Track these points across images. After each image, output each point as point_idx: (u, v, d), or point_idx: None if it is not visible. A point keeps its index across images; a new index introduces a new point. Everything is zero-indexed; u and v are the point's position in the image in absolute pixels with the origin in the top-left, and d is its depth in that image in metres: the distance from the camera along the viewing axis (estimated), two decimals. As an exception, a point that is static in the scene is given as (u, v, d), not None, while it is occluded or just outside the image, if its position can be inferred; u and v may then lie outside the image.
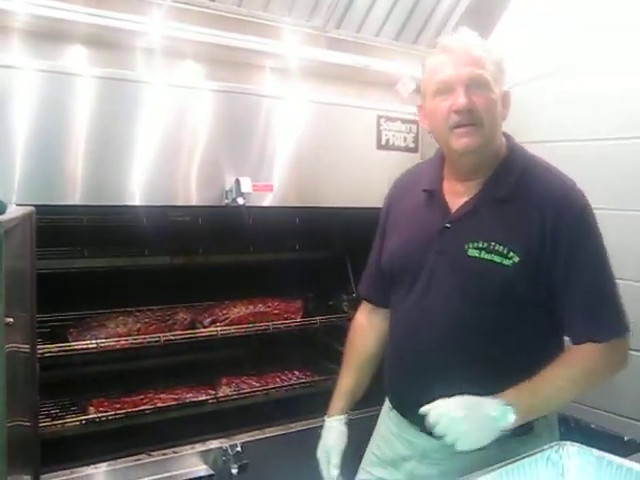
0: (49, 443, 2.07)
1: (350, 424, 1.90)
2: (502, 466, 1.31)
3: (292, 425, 2.40)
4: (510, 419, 1.48)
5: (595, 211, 1.64)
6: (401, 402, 1.80)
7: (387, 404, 1.90)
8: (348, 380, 1.92)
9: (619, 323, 1.60)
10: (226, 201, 2.31)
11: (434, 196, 1.72)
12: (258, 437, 2.32)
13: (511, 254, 1.56)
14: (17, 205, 1.86)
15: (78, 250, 2.53)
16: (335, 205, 2.54)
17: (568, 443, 1.38)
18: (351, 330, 1.99)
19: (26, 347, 1.78)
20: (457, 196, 1.68)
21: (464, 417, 1.47)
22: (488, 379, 1.57)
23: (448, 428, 1.47)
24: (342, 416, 1.89)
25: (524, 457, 1.35)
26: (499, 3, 3.15)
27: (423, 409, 1.51)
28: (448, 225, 1.66)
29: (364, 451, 1.93)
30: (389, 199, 1.90)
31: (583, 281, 1.58)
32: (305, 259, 2.94)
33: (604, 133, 2.77)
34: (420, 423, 1.67)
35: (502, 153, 1.68)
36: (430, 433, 1.61)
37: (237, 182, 2.28)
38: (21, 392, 1.66)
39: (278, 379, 2.71)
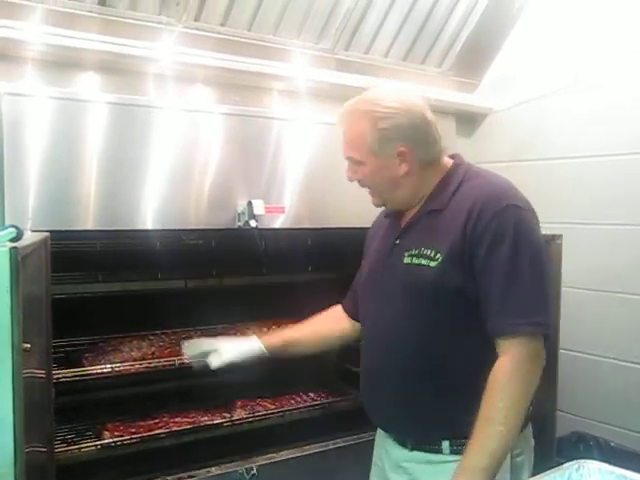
0: (65, 468, 2.07)
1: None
2: (521, 486, 1.30)
3: (307, 447, 2.39)
4: None
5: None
6: (371, 414, 1.87)
7: None
8: (294, 332, 2.12)
9: (534, 318, 1.58)
10: (239, 224, 2.32)
11: (393, 220, 1.87)
12: (274, 460, 2.31)
13: (437, 256, 1.65)
14: (32, 231, 1.88)
15: (92, 275, 2.53)
16: (346, 225, 2.54)
17: (588, 461, 1.36)
18: (326, 311, 2.12)
19: (42, 372, 1.79)
20: (406, 217, 1.82)
21: None
22: (436, 383, 1.67)
23: None
24: (262, 342, 2.07)
25: (543, 476, 1.33)
26: (505, 24, 3.17)
27: None
28: (397, 242, 1.79)
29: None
30: (370, 231, 2.04)
31: (494, 277, 1.59)
32: (317, 280, 2.93)
33: (615, 149, 2.77)
34: (391, 432, 1.81)
35: (439, 176, 1.77)
36: (402, 443, 1.76)
37: (250, 204, 2.29)
38: (37, 418, 1.66)
39: (293, 401, 2.70)
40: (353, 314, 2.03)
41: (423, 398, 1.69)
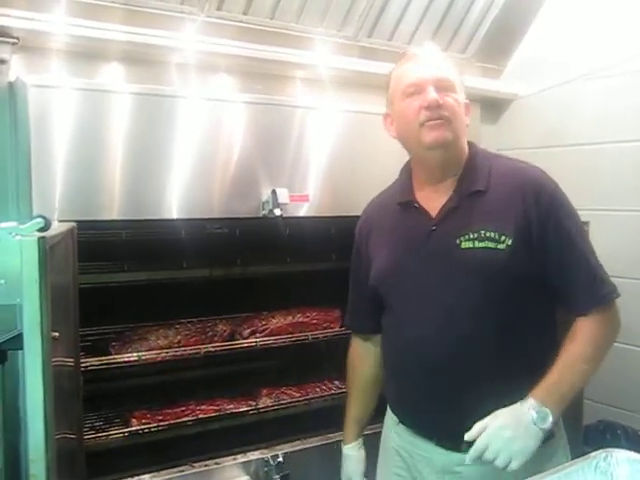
0: (93, 455, 2.10)
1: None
2: (548, 475, 1.29)
3: (332, 435, 2.39)
4: (549, 421, 1.50)
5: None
6: (414, 417, 1.77)
7: (391, 418, 1.86)
8: (356, 407, 2.00)
9: (611, 285, 1.65)
10: (263, 212, 2.32)
11: (410, 206, 1.76)
12: (299, 447, 2.32)
13: (503, 237, 1.60)
14: (59, 221, 1.90)
15: (118, 264, 2.55)
16: (371, 214, 2.54)
17: (617, 450, 1.35)
18: (349, 359, 2.03)
19: (70, 361, 1.81)
20: (432, 200, 1.72)
21: (513, 437, 1.48)
22: (503, 373, 1.59)
23: (500, 451, 1.48)
24: (358, 441, 1.99)
25: (571, 465, 1.33)
26: (531, 8, 3.13)
27: (468, 436, 1.52)
28: (434, 227, 1.68)
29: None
30: (365, 224, 1.91)
31: (575, 253, 1.62)
32: (342, 268, 2.93)
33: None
34: (435, 436, 1.69)
35: (466, 155, 1.74)
36: (452, 447, 1.65)
37: (274, 193, 2.29)
38: (66, 405, 1.68)
39: (318, 389, 2.71)
40: (371, 329, 1.91)
41: (493, 393, 1.58)
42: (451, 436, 1.65)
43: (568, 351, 1.58)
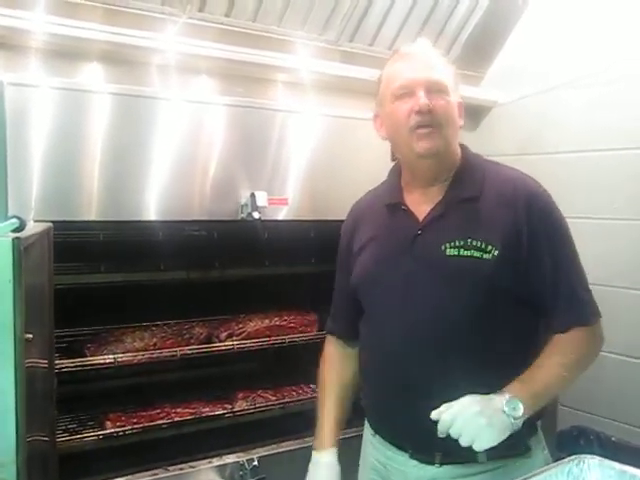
0: (67, 458, 2.08)
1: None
2: (522, 480, 1.30)
3: (308, 439, 2.37)
4: (519, 411, 1.44)
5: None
6: (388, 427, 1.72)
7: (369, 430, 1.80)
8: (333, 410, 1.83)
9: (594, 307, 1.63)
10: (241, 215, 2.32)
11: (398, 208, 1.71)
12: (275, 451, 2.31)
13: (490, 247, 1.56)
14: (35, 221, 1.88)
15: (95, 265, 2.53)
16: (350, 218, 2.54)
17: (589, 456, 1.36)
18: (323, 362, 1.92)
19: (44, 362, 1.79)
20: (421, 204, 1.67)
21: (480, 412, 1.42)
22: (482, 386, 1.52)
23: (464, 427, 1.41)
24: (334, 449, 1.78)
25: (543, 470, 1.34)
26: (511, 16, 3.16)
27: (434, 414, 1.45)
28: (419, 232, 1.64)
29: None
30: (351, 224, 1.85)
31: (564, 269, 1.60)
32: (320, 272, 2.93)
33: (622, 143, 2.76)
34: (410, 448, 1.63)
35: (459, 159, 1.69)
36: (426, 460, 1.60)
37: (253, 196, 2.29)
38: (40, 407, 1.67)
39: (294, 393, 2.70)
40: (353, 334, 1.83)
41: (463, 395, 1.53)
42: (425, 448, 1.61)
43: (547, 356, 1.56)
